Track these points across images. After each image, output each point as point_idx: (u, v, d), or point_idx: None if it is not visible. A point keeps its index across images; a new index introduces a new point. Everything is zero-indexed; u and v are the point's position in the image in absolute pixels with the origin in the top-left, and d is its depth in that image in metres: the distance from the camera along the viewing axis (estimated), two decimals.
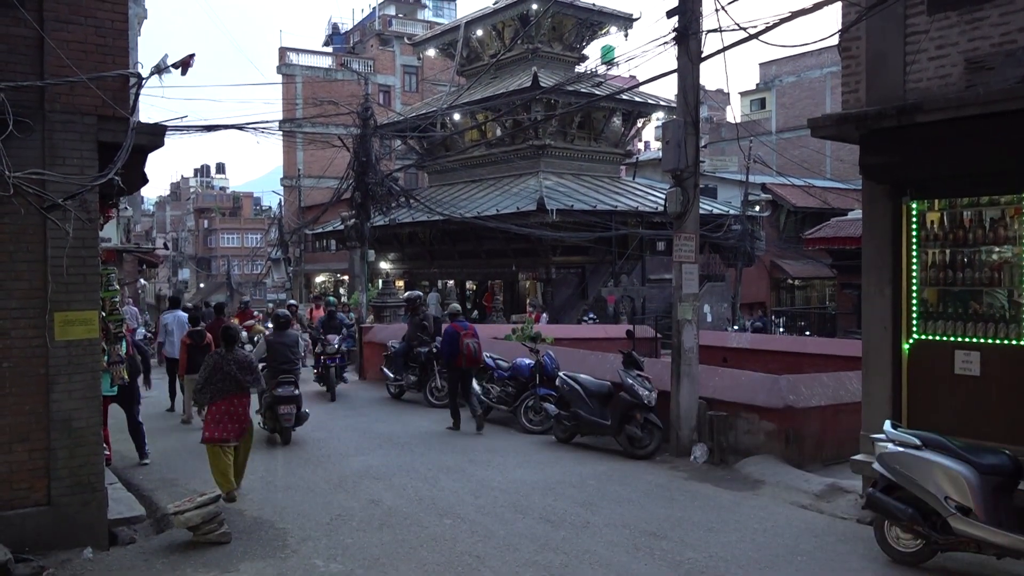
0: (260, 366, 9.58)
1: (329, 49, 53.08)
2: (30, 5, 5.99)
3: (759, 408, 9.11)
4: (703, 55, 9.52)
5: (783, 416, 8.92)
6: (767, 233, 31.07)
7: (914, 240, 7.17)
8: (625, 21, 30.84)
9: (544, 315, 22.86)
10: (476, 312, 28.92)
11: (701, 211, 10.27)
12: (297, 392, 10.32)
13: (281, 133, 27.79)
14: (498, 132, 29.65)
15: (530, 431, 11.06)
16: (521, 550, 6.21)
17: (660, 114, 30.03)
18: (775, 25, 8.07)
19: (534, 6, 28.05)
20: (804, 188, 30.03)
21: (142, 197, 44.63)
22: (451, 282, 30.74)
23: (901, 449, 5.92)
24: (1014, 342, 6.56)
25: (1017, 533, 5.35)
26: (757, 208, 30.72)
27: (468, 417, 12.34)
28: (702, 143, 10.68)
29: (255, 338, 13.47)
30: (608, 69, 22.52)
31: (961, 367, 6.84)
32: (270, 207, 66.03)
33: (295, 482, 8.32)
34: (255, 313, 18.24)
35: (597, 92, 23.09)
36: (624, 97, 26.24)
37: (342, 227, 22.89)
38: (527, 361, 11.66)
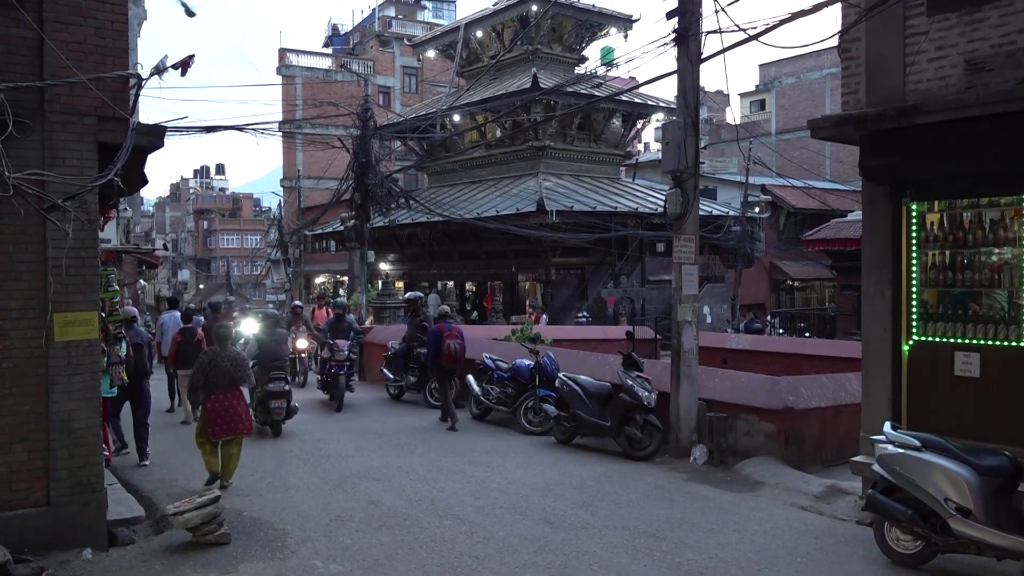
0: (251, 363, 10.12)
1: (329, 50, 53.09)
2: (30, 6, 5.98)
3: (759, 409, 9.11)
4: (703, 56, 9.53)
5: (783, 417, 8.92)
6: (767, 234, 31.09)
7: (914, 241, 7.17)
8: (625, 22, 30.86)
9: (544, 316, 22.86)
10: (476, 313, 28.92)
11: (701, 212, 10.27)
12: (287, 388, 10.91)
13: (281, 134, 27.74)
14: (498, 133, 29.67)
15: (530, 432, 11.05)
16: (521, 551, 6.21)
17: (660, 115, 30.05)
18: (775, 26, 8.07)
19: (534, 7, 28.07)
20: (804, 189, 30.05)
21: (142, 198, 44.63)
22: (451, 283, 30.74)
23: (901, 451, 5.91)
24: (1014, 343, 6.56)
25: (1017, 535, 5.34)
26: (757, 209, 30.73)
27: (468, 418, 12.35)
28: (702, 144, 10.69)
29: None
30: (608, 70, 22.51)
31: (961, 369, 6.84)
32: (270, 208, 66.02)
33: (294, 483, 8.31)
34: (235, 313, 18.21)
35: (597, 93, 23.10)
36: (624, 98, 26.28)
37: (342, 228, 22.89)
38: (527, 362, 11.66)
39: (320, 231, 33.66)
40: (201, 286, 72.82)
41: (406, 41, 45.64)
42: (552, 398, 10.76)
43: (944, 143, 6.69)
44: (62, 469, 6.13)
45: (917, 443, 5.90)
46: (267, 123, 16.09)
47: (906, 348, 7.22)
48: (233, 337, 9.02)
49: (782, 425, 8.91)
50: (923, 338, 7.13)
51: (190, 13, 6.93)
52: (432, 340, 11.91)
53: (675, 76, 9.68)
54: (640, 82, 21.73)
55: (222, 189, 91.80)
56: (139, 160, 6.87)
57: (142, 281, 35.77)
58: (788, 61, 42.23)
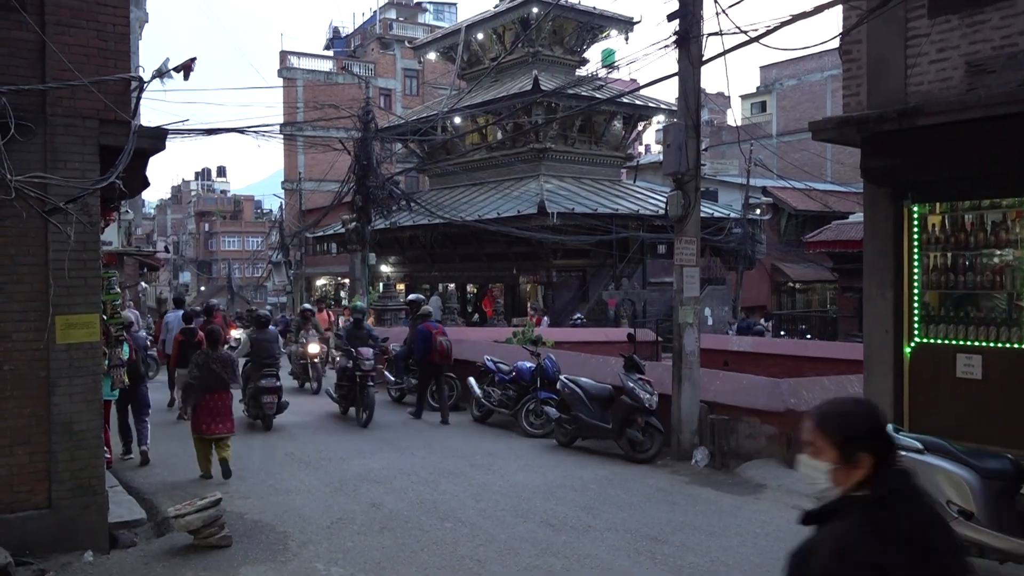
0: (244, 361, 11.18)
1: (330, 53, 53.14)
2: (32, 9, 5.99)
3: (760, 412, 9.10)
4: (704, 58, 9.53)
5: (784, 420, 8.90)
6: (768, 236, 31.05)
7: (915, 243, 7.17)
8: (626, 24, 30.88)
9: (545, 318, 22.86)
10: (476, 315, 28.93)
11: (702, 214, 10.28)
12: (279, 383, 11.42)
13: (282, 136, 27.82)
14: (499, 135, 29.68)
15: (531, 435, 11.04)
16: (522, 554, 6.20)
17: (661, 117, 30.07)
18: (776, 28, 8.07)
19: (535, 9, 28.09)
20: (805, 191, 30.04)
21: (143, 200, 44.68)
22: (452, 285, 30.75)
23: (903, 453, 5.90)
24: (1016, 345, 6.55)
25: (1019, 538, 5.33)
26: (758, 211, 30.71)
27: (469, 420, 12.34)
28: (703, 146, 10.67)
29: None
30: (609, 72, 22.52)
31: (963, 371, 6.83)
32: (271, 210, 66.13)
33: (296, 485, 8.31)
34: (220, 315, 18.26)
35: (598, 95, 23.13)
36: (625, 100, 26.28)
37: (343, 230, 22.91)
38: (528, 364, 11.65)
39: (321, 233, 33.67)
40: (202, 288, 72.87)
41: (407, 43, 45.66)
42: (553, 400, 10.75)
43: (945, 145, 6.68)
44: (63, 471, 6.13)
45: (919, 445, 5.88)
46: (268, 125, 16.14)
47: (908, 350, 7.22)
48: (225, 339, 9.46)
49: (784, 427, 8.90)
50: (925, 340, 7.12)
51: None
52: (421, 338, 12.24)
53: (676, 78, 9.68)
54: (641, 84, 21.77)
55: (223, 191, 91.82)
56: (141, 163, 6.88)
57: (143, 283, 35.79)
58: (789, 63, 42.23)
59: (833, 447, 2.08)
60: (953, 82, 6.78)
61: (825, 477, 2.12)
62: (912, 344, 7.20)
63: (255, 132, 10.87)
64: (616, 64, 13.85)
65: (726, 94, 39.47)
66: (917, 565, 1.92)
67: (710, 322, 26.59)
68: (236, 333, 19.13)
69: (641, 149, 47.07)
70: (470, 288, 32.29)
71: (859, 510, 2.00)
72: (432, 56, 36.63)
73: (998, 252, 6.78)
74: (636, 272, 26.42)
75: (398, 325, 20.11)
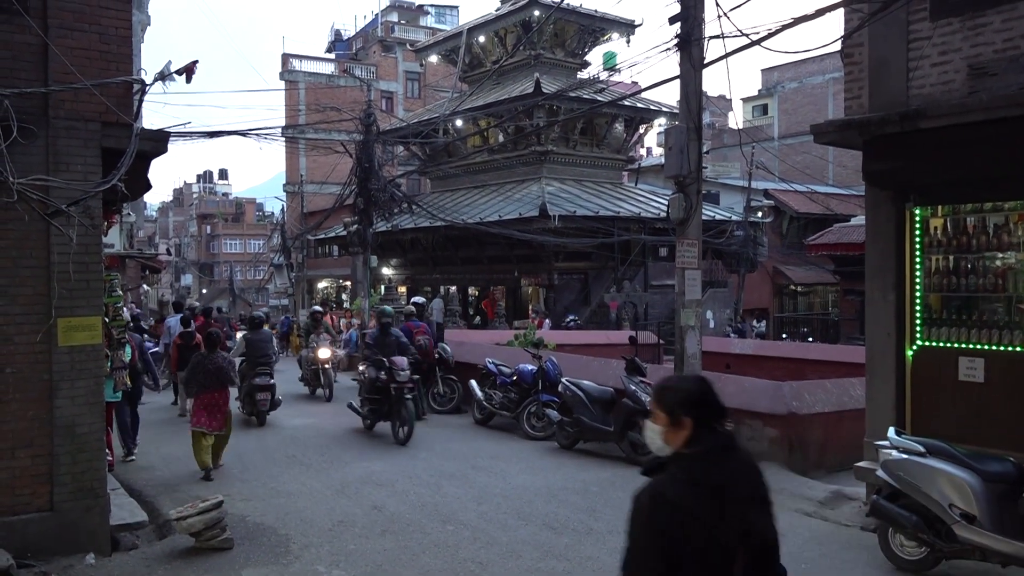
0: (239, 360, 11.74)
1: (332, 55, 53.23)
2: (34, 12, 6.01)
3: (762, 415, 9.08)
4: (705, 61, 9.52)
5: (786, 423, 8.89)
6: (770, 239, 31.01)
7: (917, 246, 7.16)
8: (627, 27, 30.87)
9: (547, 321, 22.85)
10: (478, 318, 28.92)
11: (704, 217, 10.27)
12: (272, 382, 11.98)
13: (284, 139, 27.85)
14: (500, 138, 29.67)
15: (533, 437, 11.04)
16: (524, 557, 6.19)
17: (662, 120, 30.05)
18: (777, 31, 8.05)
19: (536, 12, 28.09)
20: (807, 194, 30.00)
21: (145, 203, 44.76)
22: (453, 288, 30.75)
23: (905, 456, 5.89)
24: (1018, 349, 6.54)
25: (1022, 541, 5.32)
26: (760, 214, 30.68)
27: (471, 423, 12.34)
28: (704, 149, 10.67)
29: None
30: (610, 75, 22.50)
31: (965, 374, 6.82)
32: (272, 213, 66.15)
33: (297, 488, 8.31)
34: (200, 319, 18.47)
35: (599, 98, 23.15)
36: (626, 103, 26.27)
37: (344, 233, 22.91)
38: (530, 367, 11.65)
39: (323, 236, 33.69)
40: (204, 291, 72.90)
41: (409, 46, 45.67)
42: (555, 403, 10.75)
43: (947, 148, 6.67)
44: (65, 474, 6.14)
45: (921, 448, 5.88)
46: (270, 128, 16.18)
47: (910, 353, 7.20)
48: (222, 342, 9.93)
49: (786, 430, 8.89)
50: (927, 343, 7.11)
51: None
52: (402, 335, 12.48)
53: (677, 81, 9.68)
54: (643, 87, 21.76)
55: (225, 194, 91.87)
56: (143, 165, 6.89)
57: (145, 286, 35.81)
58: (791, 66, 42.23)
59: (663, 413, 2.52)
60: (955, 85, 6.77)
61: (660, 438, 2.53)
62: (914, 347, 7.19)
63: (257, 135, 10.90)
64: (618, 67, 13.83)
65: (728, 97, 39.57)
66: (718, 509, 2.31)
67: (712, 325, 26.56)
68: (240, 335, 19.21)
69: (643, 152, 47.09)
70: (472, 291, 32.28)
71: (680, 463, 2.44)
72: (434, 59, 36.66)
73: (1000, 255, 6.77)
74: (638, 275, 26.40)
75: (399, 327, 20.07)
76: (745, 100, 46.95)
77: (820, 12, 7.57)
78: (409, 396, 10.79)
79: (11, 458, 5.99)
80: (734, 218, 27.82)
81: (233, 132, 10.64)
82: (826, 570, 6.04)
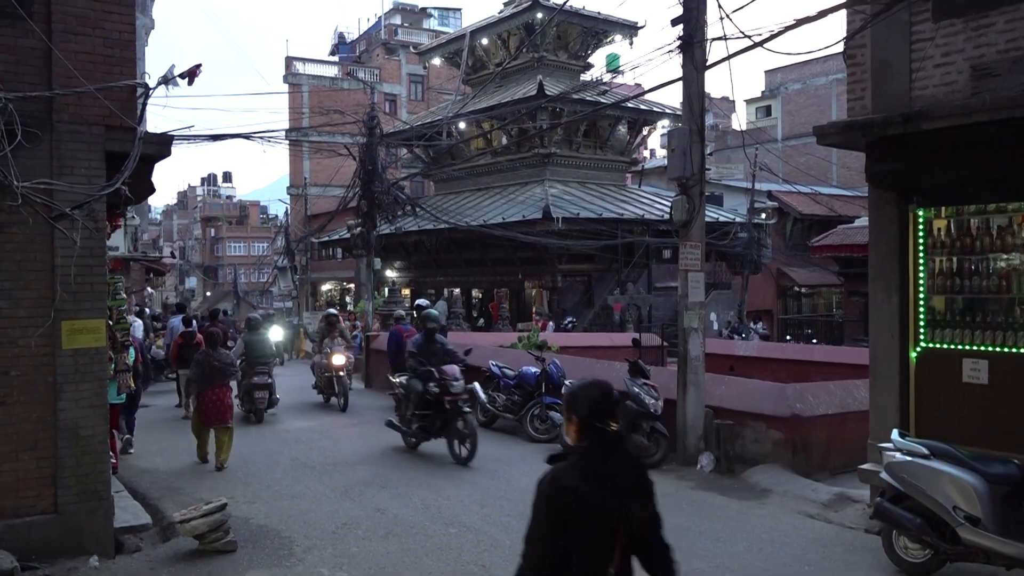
0: (239, 361, 11.92)
1: (335, 58, 53.30)
2: (38, 17, 6.03)
3: (766, 417, 9.07)
4: (708, 63, 9.53)
5: (790, 425, 8.88)
6: (773, 241, 30.96)
7: (921, 247, 7.14)
8: (630, 29, 30.88)
9: (550, 323, 22.83)
10: (482, 320, 28.93)
11: (707, 219, 10.28)
12: (270, 380, 12.65)
13: (287, 142, 27.88)
14: (504, 140, 29.69)
15: (536, 440, 11.03)
16: None
17: (665, 122, 30.03)
18: (780, 33, 8.06)
19: (539, 15, 28.12)
20: (810, 195, 29.97)
21: (149, 206, 44.83)
22: (457, 290, 30.76)
23: (909, 458, 5.88)
24: (1023, 350, 6.52)
25: None
26: (763, 216, 30.64)
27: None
28: (708, 151, 10.67)
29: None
30: (613, 77, 22.56)
31: (969, 375, 6.79)
32: (276, 215, 66.18)
33: (301, 490, 8.31)
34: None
35: (602, 100, 23.14)
36: (629, 105, 26.27)
37: (348, 235, 22.92)
38: (533, 369, 11.64)
39: (327, 238, 33.75)
40: (208, 293, 73.02)
41: (412, 49, 45.75)
42: (558, 405, 10.74)
43: (951, 149, 6.66)
44: (69, 477, 6.15)
45: (925, 451, 5.86)
46: (274, 131, 16.13)
47: (914, 355, 7.19)
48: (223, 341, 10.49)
49: (789, 432, 8.87)
50: (931, 345, 7.09)
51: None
52: (392, 340, 13.02)
53: (680, 83, 9.68)
54: (646, 89, 21.75)
55: (229, 197, 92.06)
56: (146, 169, 6.91)
57: (149, 289, 35.86)
58: (794, 67, 42.14)
59: (567, 412, 3.05)
60: (958, 86, 6.76)
61: (566, 433, 3.09)
62: (918, 349, 7.17)
63: (261, 138, 10.92)
64: (621, 69, 13.91)
65: (731, 98, 39.51)
66: (599, 491, 2.82)
67: (715, 327, 26.52)
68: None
69: (646, 154, 47.10)
70: (475, 293, 32.29)
71: (574, 454, 2.98)
72: (437, 61, 36.71)
73: (1004, 256, 6.74)
74: (641, 277, 26.38)
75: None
76: (748, 102, 46.88)
77: (822, 13, 7.58)
78: (468, 409, 9.84)
79: (15, 460, 6.00)
80: (738, 220, 27.78)
81: (237, 135, 10.66)
82: (830, 573, 6.02)
